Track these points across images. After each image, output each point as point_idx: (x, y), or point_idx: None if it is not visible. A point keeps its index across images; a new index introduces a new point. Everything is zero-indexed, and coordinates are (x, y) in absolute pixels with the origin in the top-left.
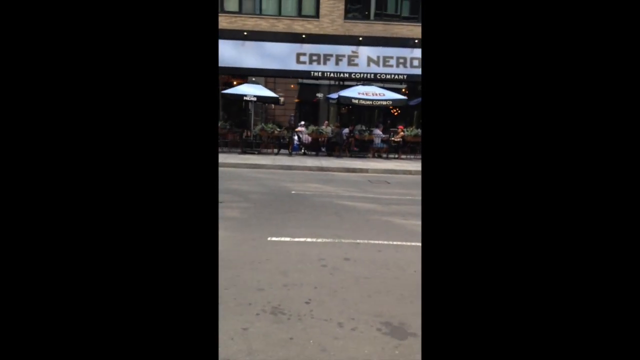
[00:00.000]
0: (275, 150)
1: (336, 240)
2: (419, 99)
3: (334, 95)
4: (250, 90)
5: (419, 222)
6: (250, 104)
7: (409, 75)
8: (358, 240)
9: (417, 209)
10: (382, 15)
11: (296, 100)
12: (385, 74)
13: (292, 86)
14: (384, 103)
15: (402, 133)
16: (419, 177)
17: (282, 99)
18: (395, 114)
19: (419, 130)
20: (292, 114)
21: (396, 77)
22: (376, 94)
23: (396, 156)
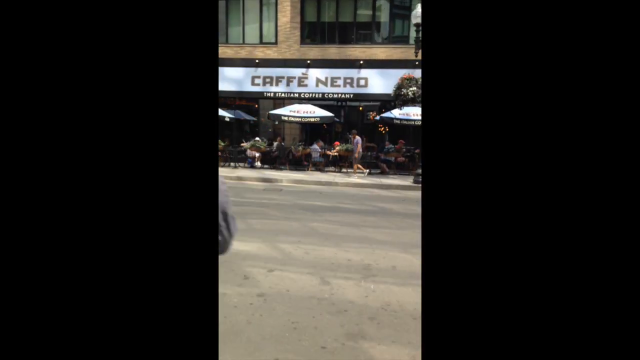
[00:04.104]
0: (233, 164)
1: None
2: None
3: (272, 112)
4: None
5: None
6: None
7: (355, 94)
8: None
9: (253, 209)
10: (336, 39)
11: (263, 120)
12: (333, 93)
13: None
14: (312, 120)
15: (337, 148)
16: (322, 187)
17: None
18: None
19: (349, 146)
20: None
21: (343, 95)
22: (307, 112)
23: (334, 169)
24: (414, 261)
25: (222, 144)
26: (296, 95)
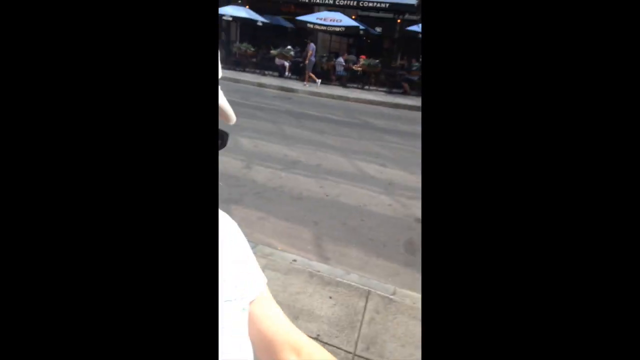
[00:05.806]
0: (259, 71)
1: None
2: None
3: (300, 18)
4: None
5: None
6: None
7: (391, 4)
8: None
9: (246, 110)
10: None
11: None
12: (368, 2)
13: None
14: (337, 29)
15: (361, 62)
16: (331, 101)
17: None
18: None
19: (372, 61)
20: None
21: (378, 4)
22: (334, 20)
23: (356, 85)
24: (342, 163)
25: (252, 49)
26: (331, 2)
